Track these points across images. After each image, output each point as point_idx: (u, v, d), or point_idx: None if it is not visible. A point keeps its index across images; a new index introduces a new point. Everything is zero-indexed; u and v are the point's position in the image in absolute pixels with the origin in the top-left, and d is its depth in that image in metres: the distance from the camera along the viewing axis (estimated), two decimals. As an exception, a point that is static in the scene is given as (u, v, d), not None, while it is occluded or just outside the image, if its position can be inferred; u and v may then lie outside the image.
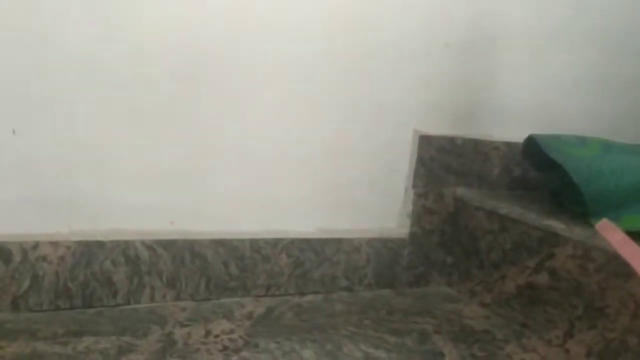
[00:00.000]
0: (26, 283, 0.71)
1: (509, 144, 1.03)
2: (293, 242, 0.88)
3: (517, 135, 1.03)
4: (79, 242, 0.73)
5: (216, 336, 0.72)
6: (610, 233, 0.45)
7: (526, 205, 0.92)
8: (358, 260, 0.94)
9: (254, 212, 0.85)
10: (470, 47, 0.97)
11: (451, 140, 0.98)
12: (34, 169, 0.70)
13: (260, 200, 0.86)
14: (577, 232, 0.78)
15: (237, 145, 0.82)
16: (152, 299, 0.79)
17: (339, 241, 0.92)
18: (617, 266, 0.73)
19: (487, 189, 1.04)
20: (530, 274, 0.86)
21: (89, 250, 0.74)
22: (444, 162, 0.98)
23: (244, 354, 0.68)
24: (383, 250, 0.96)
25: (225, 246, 0.83)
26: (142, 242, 0.77)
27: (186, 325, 0.74)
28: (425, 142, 0.95)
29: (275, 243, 0.87)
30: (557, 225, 0.81)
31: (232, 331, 0.74)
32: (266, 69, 0.82)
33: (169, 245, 0.79)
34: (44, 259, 0.71)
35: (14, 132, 0.68)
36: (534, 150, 0.91)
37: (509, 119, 1.04)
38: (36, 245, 0.71)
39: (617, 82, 1.14)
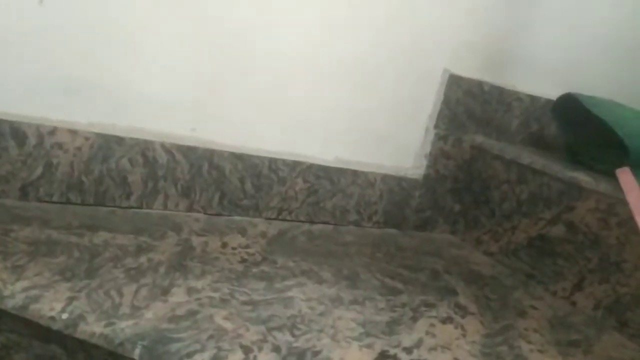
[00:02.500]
0: (38, 170, 0.66)
1: (532, 97, 1.01)
2: (311, 167, 0.85)
3: (541, 90, 1.02)
4: (98, 135, 0.68)
5: (233, 248, 0.70)
6: (627, 180, 0.45)
7: (547, 158, 0.91)
8: (371, 195, 0.92)
9: (275, 131, 0.82)
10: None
11: (479, 84, 0.95)
12: (58, 43, 0.64)
13: (284, 120, 0.82)
14: (603, 186, 0.78)
15: (268, 58, 0.78)
16: (165, 205, 0.76)
17: (355, 173, 0.90)
18: (642, 222, 0.73)
19: (503, 140, 1.02)
20: (545, 226, 0.86)
21: (107, 145, 0.69)
22: (468, 107, 0.96)
23: (264, 268, 0.66)
24: (396, 189, 0.94)
25: (244, 161, 0.80)
26: (162, 145, 0.73)
27: (202, 235, 0.71)
28: (454, 82, 0.93)
29: (293, 166, 0.84)
30: (582, 177, 0.80)
31: (248, 246, 0.72)
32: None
33: (188, 152, 0.75)
34: (60, 146, 0.67)
35: (40, 0, 0.62)
36: (566, 107, 0.89)
37: (537, 73, 1.02)
38: (53, 131, 0.66)
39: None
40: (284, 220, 0.86)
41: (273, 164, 0.82)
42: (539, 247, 0.86)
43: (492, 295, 0.77)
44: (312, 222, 0.88)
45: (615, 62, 1.10)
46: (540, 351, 0.63)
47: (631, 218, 0.74)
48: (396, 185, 0.94)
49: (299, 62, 0.80)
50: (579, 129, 0.90)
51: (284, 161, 0.83)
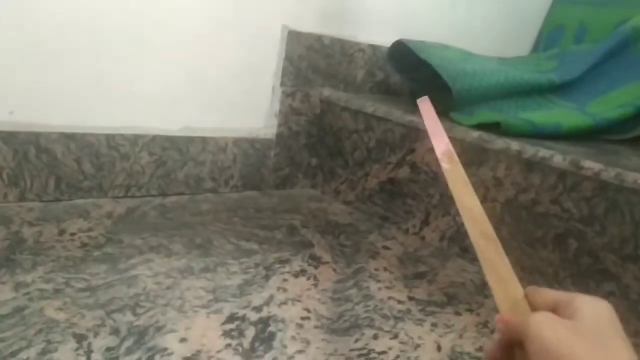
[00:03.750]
0: None
1: (373, 47, 1.04)
2: (155, 139, 0.82)
3: (382, 39, 1.05)
4: None
5: (72, 234, 0.66)
6: (426, 108, 0.49)
7: (390, 105, 0.94)
8: (224, 160, 0.91)
9: (110, 104, 0.77)
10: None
11: (319, 38, 0.96)
12: None
13: (118, 92, 0.78)
14: (436, 126, 0.82)
15: (92, 26, 0.72)
16: (-10, 199, 0.69)
17: (204, 140, 0.88)
18: (471, 155, 0.79)
19: (351, 91, 1.05)
20: (392, 170, 0.90)
21: None
22: (311, 62, 0.97)
23: (108, 249, 0.63)
24: (250, 151, 0.94)
25: (77, 141, 0.75)
26: (-25, 133, 0.66)
27: (36, 225, 0.66)
28: (294, 38, 0.93)
29: (134, 140, 0.80)
30: (419, 120, 0.84)
31: (90, 229, 0.68)
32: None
33: (9, 137, 0.69)
34: None
35: None
36: (400, 54, 0.93)
37: (375, 23, 1.04)
38: None
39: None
40: (133, 197, 0.82)
41: (111, 140, 0.78)
42: (389, 190, 0.91)
43: (347, 242, 0.80)
44: (165, 195, 0.86)
45: (448, 6, 1.16)
46: (387, 287, 0.67)
47: (463, 152, 0.79)
48: (249, 147, 0.94)
49: (128, 32, 0.76)
50: (414, 74, 0.94)
51: (123, 136, 0.79)
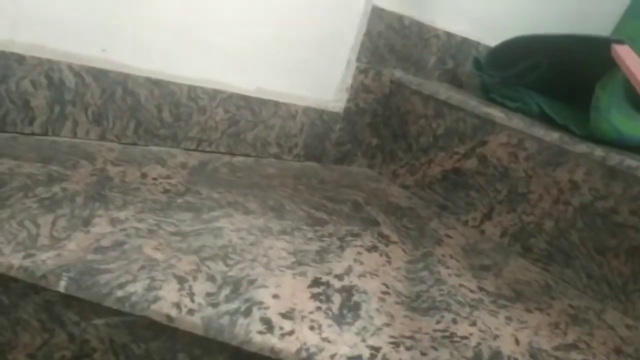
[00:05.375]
0: None
1: (448, 34, 1.03)
2: (232, 96, 0.82)
3: (457, 28, 1.04)
4: (-6, 51, 0.60)
5: (154, 179, 0.66)
6: (626, 52, 0.47)
7: (464, 94, 0.93)
8: (292, 127, 0.91)
9: (194, 56, 0.77)
10: None
11: (400, 18, 0.95)
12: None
13: (203, 45, 0.77)
14: (515, 122, 0.81)
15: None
16: (74, 133, 0.69)
17: (276, 104, 0.87)
18: (548, 156, 0.78)
19: (420, 76, 1.04)
20: (459, 160, 0.89)
21: (5, 64, 0.61)
22: (389, 41, 0.95)
23: (189, 198, 0.63)
24: (317, 122, 0.93)
25: (161, 88, 0.74)
26: (69, 66, 0.66)
27: (118, 165, 0.66)
28: (377, 15, 0.91)
29: (214, 94, 0.80)
30: (496, 113, 0.84)
31: (169, 177, 0.68)
32: None
33: (100, 75, 0.69)
34: (-52, 62, 0.58)
35: None
36: (500, 53, 0.92)
37: (453, 10, 1.03)
38: (-61, 44, 0.57)
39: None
40: (203, 151, 0.82)
41: (192, 91, 0.78)
42: (452, 179, 0.90)
43: (410, 225, 0.79)
44: (232, 154, 0.86)
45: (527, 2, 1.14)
46: (457, 275, 0.66)
47: (540, 152, 0.79)
48: (317, 118, 0.93)
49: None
50: (507, 71, 0.93)
51: (203, 89, 0.78)
